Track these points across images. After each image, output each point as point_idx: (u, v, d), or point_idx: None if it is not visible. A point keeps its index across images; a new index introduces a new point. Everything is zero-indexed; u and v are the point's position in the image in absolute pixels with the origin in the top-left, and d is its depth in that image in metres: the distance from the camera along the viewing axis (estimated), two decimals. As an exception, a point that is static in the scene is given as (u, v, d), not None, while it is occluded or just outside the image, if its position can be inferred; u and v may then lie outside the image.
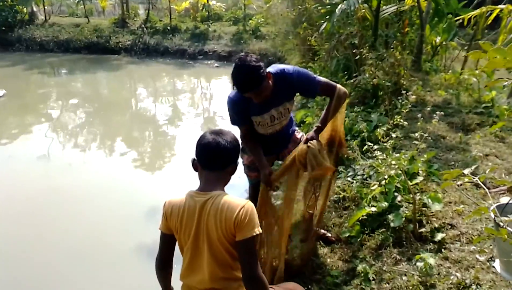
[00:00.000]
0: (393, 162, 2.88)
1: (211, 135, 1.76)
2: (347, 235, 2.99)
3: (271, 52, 12.57)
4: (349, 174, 3.73)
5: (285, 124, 2.72)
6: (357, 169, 3.67)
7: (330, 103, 2.52)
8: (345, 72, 6.03)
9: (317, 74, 4.73)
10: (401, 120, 3.26)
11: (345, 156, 3.78)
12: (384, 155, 2.89)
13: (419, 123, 3.35)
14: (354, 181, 3.54)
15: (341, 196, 3.43)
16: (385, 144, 3.00)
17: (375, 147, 3.08)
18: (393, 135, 3.04)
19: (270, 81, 2.43)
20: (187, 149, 6.52)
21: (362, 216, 2.93)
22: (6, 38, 14.90)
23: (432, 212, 2.69)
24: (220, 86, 11.56)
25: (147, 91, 11.02)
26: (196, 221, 1.68)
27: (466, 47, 7.85)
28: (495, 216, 1.63)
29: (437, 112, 3.02)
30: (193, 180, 5.28)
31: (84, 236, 4.04)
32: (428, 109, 4.55)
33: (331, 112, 2.53)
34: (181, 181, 5.32)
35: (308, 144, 2.42)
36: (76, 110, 9.03)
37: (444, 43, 7.74)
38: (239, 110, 2.62)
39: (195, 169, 1.82)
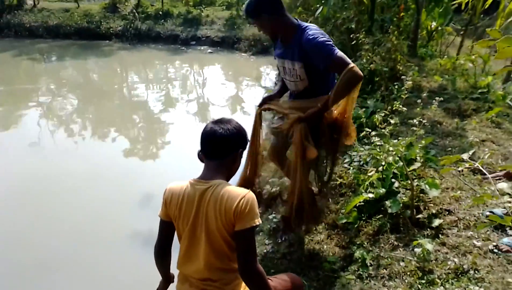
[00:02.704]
0: (391, 148, 2.86)
1: (210, 124, 1.75)
2: (344, 221, 2.98)
3: (265, 38, 12.45)
4: (346, 160, 3.71)
5: (297, 91, 2.60)
6: (354, 155, 3.65)
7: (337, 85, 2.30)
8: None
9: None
10: (400, 106, 3.24)
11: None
12: (382, 141, 2.86)
13: (418, 109, 3.33)
14: (351, 168, 3.52)
15: (338, 183, 3.41)
16: (383, 130, 2.98)
17: (373, 133, 3.06)
18: (391, 121, 3.02)
19: (273, 25, 2.45)
20: (180, 136, 6.49)
21: (359, 202, 2.91)
22: (-5, 24, 14.63)
23: (430, 198, 2.69)
24: (213, 72, 11.45)
25: (139, 78, 10.88)
26: (195, 209, 1.65)
27: (461, 32, 7.83)
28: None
29: (436, 98, 2.99)
30: (186, 166, 5.29)
31: (79, 223, 4.00)
32: (424, 95, 4.54)
33: (333, 94, 2.30)
34: (174, 167, 5.29)
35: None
36: (67, 97, 8.89)
37: (439, 28, 7.71)
38: (275, 40, 2.71)
39: (201, 160, 1.81)
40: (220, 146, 1.73)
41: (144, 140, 6.63)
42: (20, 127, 7.01)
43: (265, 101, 2.76)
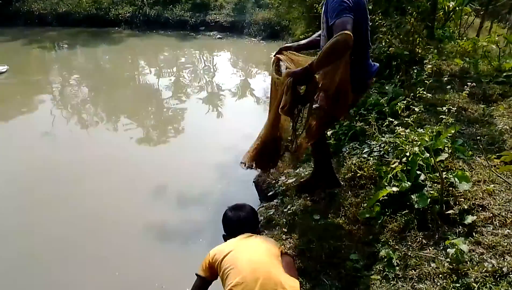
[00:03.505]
0: (416, 138, 2.68)
1: (229, 211, 2.25)
2: (366, 216, 2.81)
3: (275, 22, 12.19)
4: (365, 150, 3.52)
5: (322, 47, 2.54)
6: (373, 145, 3.46)
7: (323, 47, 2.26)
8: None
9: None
10: (424, 92, 3.03)
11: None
12: (407, 130, 2.67)
13: (447, 95, 3.10)
14: (371, 158, 3.34)
15: (358, 175, 3.22)
16: (406, 118, 2.78)
17: (395, 122, 2.87)
18: (416, 109, 2.82)
19: None
20: (192, 124, 6.37)
21: (383, 196, 2.74)
22: (5, 12, 14.52)
23: (460, 192, 2.49)
24: (223, 58, 11.26)
25: (149, 65, 10.75)
26: None
27: (481, 13, 7.49)
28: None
29: (468, 83, 2.78)
30: (198, 154, 5.19)
31: (89, 212, 3.98)
32: (446, 79, 4.31)
33: (318, 55, 2.24)
34: (186, 156, 5.19)
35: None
36: (79, 85, 8.87)
37: (457, 8, 7.36)
38: None
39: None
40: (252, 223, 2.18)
41: (156, 128, 6.55)
42: (32, 116, 6.98)
43: (281, 51, 2.80)
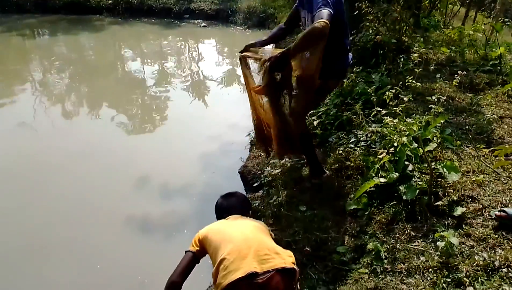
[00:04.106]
0: (404, 128, 2.61)
1: (221, 199, 2.24)
2: (352, 207, 2.74)
3: (261, 10, 12.01)
4: (352, 140, 3.44)
5: None
6: (360, 135, 3.38)
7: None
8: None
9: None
10: (413, 81, 2.95)
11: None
12: (396, 120, 2.60)
13: (436, 84, 3.05)
14: (358, 149, 3.26)
15: (345, 165, 3.15)
16: (394, 108, 2.71)
17: (383, 111, 2.79)
18: (405, 99, 2.74)
19: None
20: (175, 113, 6.22)
21: (370, 187, 2.67)
22: (-20, -1, 14.06)
23: (449, 183, 2.44)
24: (208, 47, 11.07)
25: (132, 53, 10.49)
26: None
27: (467, 1, 7.48)
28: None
29: (459, 72, 2.72)
30: (182, 144, 5.07)
31: (71, 204, 3.86)
32: (432, 67, 4.26)
33: (295, 41, 2.41)
34: (170, 144, 5.07)
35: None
36: (60, 74, 8.60)
37: (443, -4, 7.35)
38: None
39: None
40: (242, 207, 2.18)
41: (139, 117, 6.41)
42: (13, 105, 6.73)
43: (246, 48, 3.02)
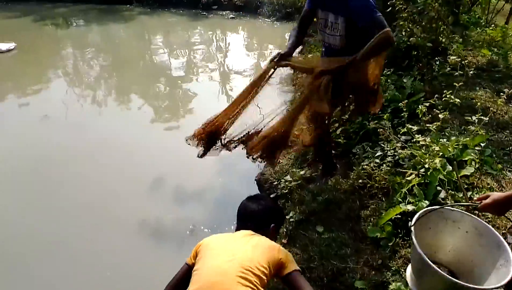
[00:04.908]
0: (437, 148, 2.31)
1: (246, 201, 2.00)
2: (376, 235, 2.47)
3: (291, 2, 11.65)
4: (377, 154, 3.14)
5: (333, 46, 2.69)
6: (387, 149, 3.07)
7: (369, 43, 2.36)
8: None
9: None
10: (452, 97, 2.60)
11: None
12: (428, 139, 2.29)
13: (478, 93, 2.69)
14: (384, 165, 2.96)
15: (368, 184, 2.86)
16: (428, 125, 2.40)
17: (415, 127, 2.48)
18: (440, 116, 2.41)
19: None
20: (202, 105, 6.03)
21: (395, 215, 2.39)
22: (14, -13, 14.24)
23: (488, 217, 2.13)
24: (236, 39, 10.84)
25: (161, 45, 10.38)
26: None
27: (513, -3, 6.92)
28: None
29: (506, 89, 2.36)
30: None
31: (84, 204, 3.79)
32: (471, 72, 3.87)
33: (362, 51, 2.36)
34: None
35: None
36: (90, 65, 8.58)
37: (486, -9, 6.81)
38: None
39: None
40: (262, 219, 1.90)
41: (164, 112, 6.28)
42: (41, 95, 6.72)
43: (283, 58, 2.78)
